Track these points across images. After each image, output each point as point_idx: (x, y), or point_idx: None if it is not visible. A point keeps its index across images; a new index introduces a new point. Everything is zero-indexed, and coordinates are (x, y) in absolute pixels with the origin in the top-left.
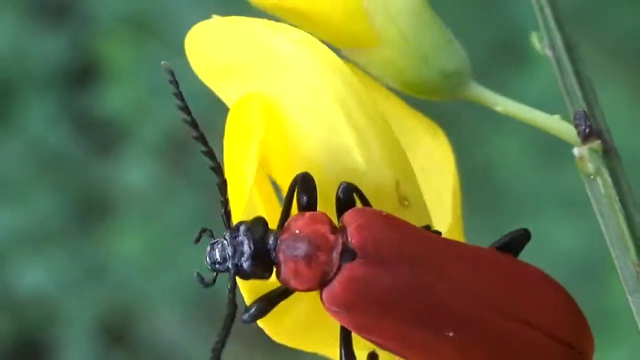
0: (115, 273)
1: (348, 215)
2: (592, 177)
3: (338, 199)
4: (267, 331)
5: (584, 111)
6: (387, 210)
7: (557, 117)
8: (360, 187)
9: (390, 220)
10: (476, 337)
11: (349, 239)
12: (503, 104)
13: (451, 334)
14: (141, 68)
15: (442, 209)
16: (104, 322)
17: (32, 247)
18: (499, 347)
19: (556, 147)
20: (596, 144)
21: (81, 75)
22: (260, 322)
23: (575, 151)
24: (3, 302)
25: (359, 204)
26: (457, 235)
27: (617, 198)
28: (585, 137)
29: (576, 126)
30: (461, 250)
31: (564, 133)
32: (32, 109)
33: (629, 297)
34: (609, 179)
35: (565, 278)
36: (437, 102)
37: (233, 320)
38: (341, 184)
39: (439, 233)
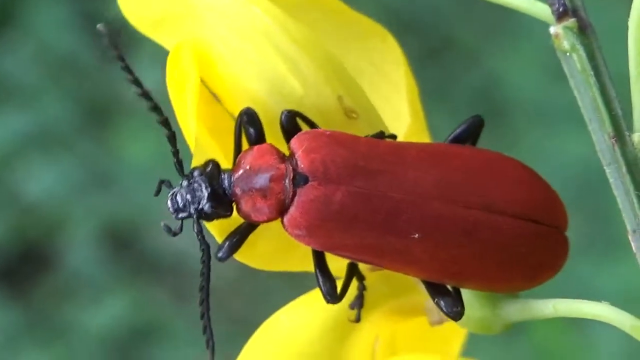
0: (123, 179)
1: (294, 141)
2: (567, 54)
3: (283, 127)
4: (245, 262)
5: None
6: (336, 126)
7: None
8: (305, 110)
9: (335, 138)
10: (442, 233)
11: (299, 164)
12: None
13: (417, 236)
14: None
15: (403, 110)
16: (110, 228)
17: (41, 151)
18: (467, 238)
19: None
20: (571, 21)
21: None
22: (236, 256)
23: (551, 30)
24: (10, 204)
25: (306, 128)
26: (420, 131)
27: (593, 73)
28: (560, 16)
29: (550, 5)
30: (415, 151)
31: (539, 13)
32: (43, 13)
33: (606, 169)
34: (584, 55)
35: (575, 190)
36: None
37: (209, 260)
38: (282, 112)
39: (394, 137)
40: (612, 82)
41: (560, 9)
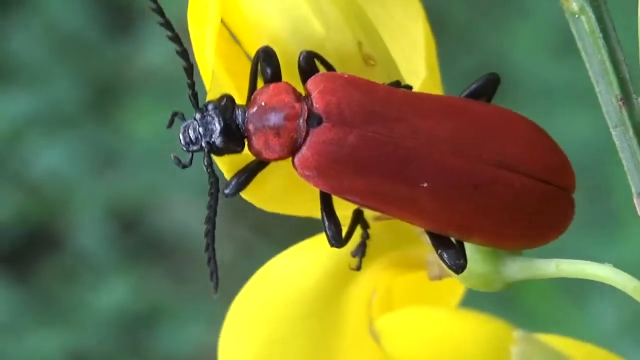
0: (129, 158)
1: (310, 81)
2: (576, 15)
3: (300, 68)
4: (251, 201)
5: None
6: (354, 71)
7: None
8: (324, 53)
9: (352, 81)
10: (451, 184)
11: (314, 105)
12: None
13: (425, 185)
14: None
15: (419, 64)
16: (115, 208)
17: (47, 130)
18: (476, 192)
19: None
20: None
21: None
22: (243, 194)
23: None
24: (16, 184)
25: (323, 70)
26: (434, 86)
27: (601, 35)
28: None
29: None
30: (430, 102)
31: None
32: None
33: (612, 131)
34: (592, 16)
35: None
36: None
37: (217, 193)
38: (301, 52)
39: (410, 88)
40: (620, 45)
41: None
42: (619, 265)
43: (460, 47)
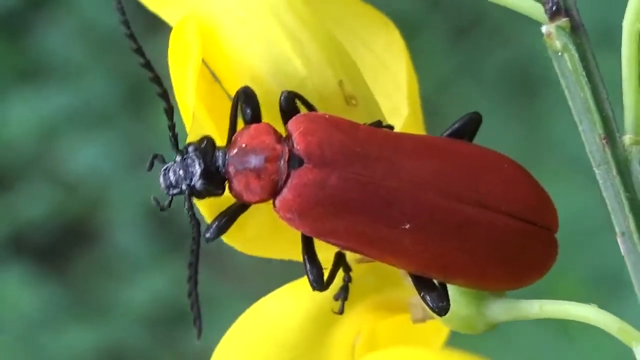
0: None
1: (291, 122)
2: (559, 53)
3: (281, 108)
4: (232, 244)
5: None
6: (335, 111)
7: None
8: (305, 93)
9: (334, 122)
10: (434, 226)
11: (295, 146)
12: None
13: (408, 226)
14: None
15: (401, 103)
16: (151, 205)
17: (83, 128)
18: (459, 232)
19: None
20: (563, 21)
21: None
22: (224, 238)
23: (543, 29)
24: (53, 181)
25: (304, 110)
26: (415, 125)
27: (584, 73)
28: (552, 15)
29: (544, 4)
30: (412, 142)
31: (532, 12)
32: None
33: (596, 170)
34: (575, 55)
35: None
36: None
37: (199, 238)
38: (282, 92)
39: (391, 127)
40: (603, 83)
41: (553, 8)
42: None
43: (494, 42)
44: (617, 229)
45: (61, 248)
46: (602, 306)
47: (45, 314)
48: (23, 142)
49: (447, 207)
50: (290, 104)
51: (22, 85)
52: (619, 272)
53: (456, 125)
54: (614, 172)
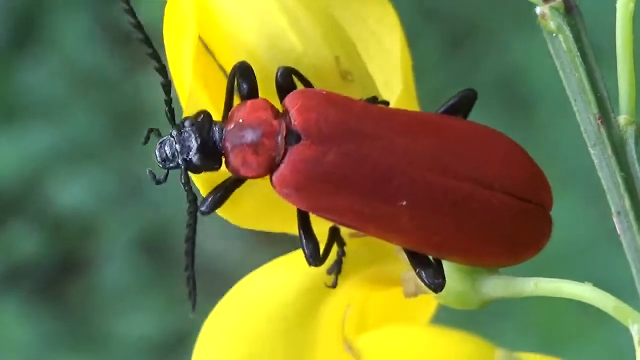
0: (153, 188)
1: (289, 98)
2: (554, 34)
3: (278, 84)
4: (227, 218)
5: None
6: (331, 87)
7: None
8: (301, 69)
9: (331, 98)
10: (430, 203)
11: (292, 122)
12: None
13: (404, 203)
14: None
15: (395, 78)
16: (142, 236)
17: (71, 164)
18: (454, 209)
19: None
20: (557, 2)
21: None
22: (219, 212)
23: (538, 10)
24: (43, 219)
25: (300, 86)
26: (409, 101)
27: (579, 54)
28: None
29: None
30: (407, 118)
31: None
32: (64, 28)
33: (591, 150)
34: (570, 35)
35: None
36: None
37: (196, 211)
38: (279, 68)
39: (387, 103)
40: (597, 64)
41: None
42: None
43: (485, 55)
44: (612, 209)
45: (54, 282)
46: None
47: (42, 346)
48: (11, 180)
49: (443, 185)
50: (287, 80)
51: (7, 124)
52: (619, 283)
53: (451, 102)
54: (609, 151)
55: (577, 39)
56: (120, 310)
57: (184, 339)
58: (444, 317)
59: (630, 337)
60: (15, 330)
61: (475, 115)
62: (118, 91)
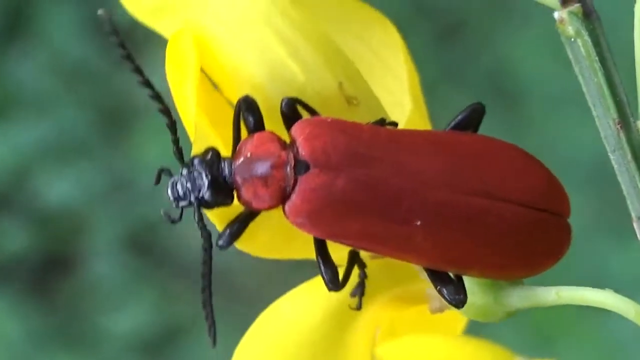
0: (142, 183)
1: (295, 128)
2: (572, 39)
3: (283, 114)
4: (246, 250)
5: None
6: (337, 113)
7: None
8: (305, 97)
9: (337, 125)
10: (444, 220)
11: (300, 152)
12: None
13: (418, 223)
14: None
15: (403, 97)
16: (131, 232)
17: (59, 159)
18: (469, 225)
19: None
20: (576, 7)
21: None
22: (237, 245)
23: (556, 15)
24: (30, 214)
25: (306, 115)
26: (420, 118)
27: (597, 58)
28: (565, 1)
29: None
30: (417, 138)
31: None
32: (54, 21)
33: (611, 155)
34: (588, 40)
35: (586, 175)
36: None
37: (211, 248)
38: (283, 99)
39: (395, 124)
40: (616, 68)
41: None
42: (630, 275)
43: (475, 49)
44: (632, 214)
45: (43, 278)
46: None
47: (31, 343)
48: None
49: (455, 201)
50: (292, 110)
51: None
52: (609, 272)
53: (460, 117)
54: (629, 156)
55: (596, 44)
56: (109, 306)
57: (175, 335)
58: None
59: (626, 334)
60: (3, 327)
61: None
62: (107, 86)
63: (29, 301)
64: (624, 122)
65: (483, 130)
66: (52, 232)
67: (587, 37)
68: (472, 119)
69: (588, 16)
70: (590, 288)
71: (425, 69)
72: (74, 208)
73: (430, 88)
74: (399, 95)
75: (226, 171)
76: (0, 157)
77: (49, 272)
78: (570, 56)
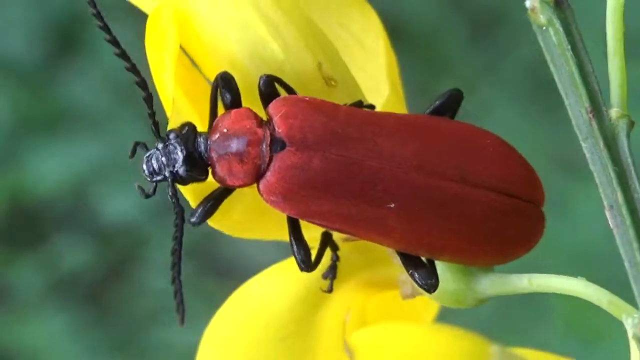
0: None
1: (272, 106)
2: (544, 27)
3: (261, 92)
4: (219, 228)
5: None
6: (315, 93)
7: None
8: (284, 76)
9: (314, 104)
10: (418, 204)
11: (276, 130)
12: None
13: (392, 205)
14: None
15: (381, 82)
16: (186, 246)
17: (117, 175)
18: (443, 210)
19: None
20: None
21: None
22: (209, 222)
23: (527, 3)
24: (91, 230)
25: (284, 93)
26: (397, 103)
27: (569, 47)
28: None
29: None
30: (393, 121)
31: None
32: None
33: (582, 143)
34: (560, 29)
35: None
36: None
37: (183, 224)
38: (261, 77)
39: (372, 107)
40: (588, 57)
41: None
42: None
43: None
44: (605, 203)
45: (105, 294)
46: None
47: (91, 357)
48: (57, 193)
49: (430, 185)
50: (270, 88)
51: (51, 136)
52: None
53: (437, 103)
54: (601, 145)
55: (568, 33)
56: (167, 319)
57: None
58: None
59: None
60: (62, 342)
61: (504, 106)
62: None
63: (88, 315)
64: (596, 110)
65: (527, 123)
66: (111, 247)
67: (559, 26)
68: (450, 105)
69: (560, 4)
70: (563, 276)
71: (463, 65)
72: (131, 223)
73: (470, 84)
74: (377, 80)
75: (202, 146)
76: (59, 175)
77: (108, 287)
78: (542, 45)
